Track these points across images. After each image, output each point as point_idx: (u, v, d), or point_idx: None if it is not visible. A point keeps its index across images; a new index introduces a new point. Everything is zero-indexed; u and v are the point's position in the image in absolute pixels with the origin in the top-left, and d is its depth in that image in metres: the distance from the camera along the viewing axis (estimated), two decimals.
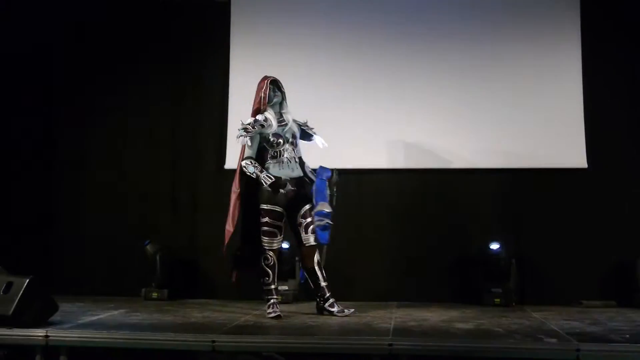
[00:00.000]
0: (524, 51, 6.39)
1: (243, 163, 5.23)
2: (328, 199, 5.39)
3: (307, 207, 5.29)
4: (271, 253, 5.18)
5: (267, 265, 5.19)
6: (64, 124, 6.93)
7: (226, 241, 5.23)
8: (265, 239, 5.18)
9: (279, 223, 5.18)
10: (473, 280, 6.12)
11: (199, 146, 6.76)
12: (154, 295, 6.25)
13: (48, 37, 6.88)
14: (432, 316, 5.27)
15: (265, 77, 5.35)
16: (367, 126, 6.40)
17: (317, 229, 5.25)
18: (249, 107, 6.17)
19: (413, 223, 6.21)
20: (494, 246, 5.98)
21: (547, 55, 6.36)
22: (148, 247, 6.32)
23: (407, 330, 4.64)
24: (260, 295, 5.93)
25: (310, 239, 5.25)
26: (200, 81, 6.80)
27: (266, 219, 5.17)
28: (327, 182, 5.40)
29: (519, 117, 6.34)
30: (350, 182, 6.14)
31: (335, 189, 5.52)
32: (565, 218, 6.25)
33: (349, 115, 6.42)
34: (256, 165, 5.19)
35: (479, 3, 6.49)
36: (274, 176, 5.16)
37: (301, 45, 6.64)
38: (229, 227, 5.21)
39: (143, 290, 6.31)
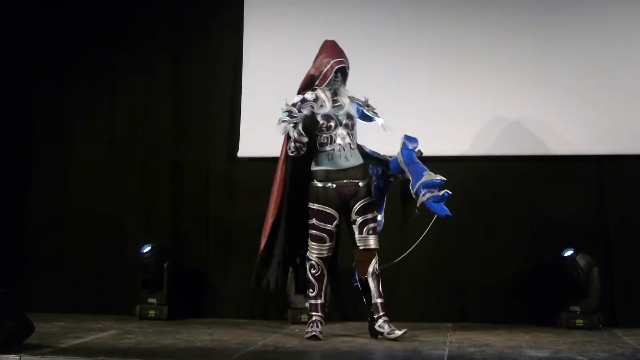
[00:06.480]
0: (589, 33, 5.73)
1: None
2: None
3: (365, 201, 4.74)
4: (319, 261, 4.77)
5: (314, 276, 4.80)
6: (43, 111, 6.39)
7: (261, 247, 4.88)
8: (313, 244, 4.78)
9: (328, 227, 4.74)
10: (547, 297, 5.47)
11: (208, 131, 6.22)
12: (151, 313, 5.83)
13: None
14: (496, 341, 4.77)
15: (334, 58, 4.70)
16: (417, 109, 5.69)
17: (431, 201, 4.46)
18: (267, 84, 5.79)
19: (469, 226, 5.58)
20: (568, 252, 5.34)
21: (613, 35, 5.71)
22: (146, 254, 5.84)
23: (465, 358, 4.16)
24: (279, 314, 5.70)
25: (369, 241, 4.72)
26: (209, 52, 6.22)
27: (313, 221, 4.77)
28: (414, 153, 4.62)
29: (601, 100, 5.63)
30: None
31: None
32: None
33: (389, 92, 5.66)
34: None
35: None
36: (323, 170, 4.72)
37: (331, 6, 5.93)
38: (263, 238, 4.89)
39: (138, 307, 5.84)
